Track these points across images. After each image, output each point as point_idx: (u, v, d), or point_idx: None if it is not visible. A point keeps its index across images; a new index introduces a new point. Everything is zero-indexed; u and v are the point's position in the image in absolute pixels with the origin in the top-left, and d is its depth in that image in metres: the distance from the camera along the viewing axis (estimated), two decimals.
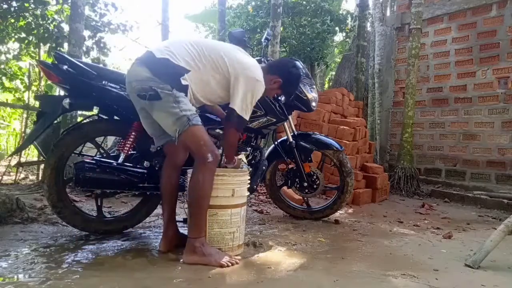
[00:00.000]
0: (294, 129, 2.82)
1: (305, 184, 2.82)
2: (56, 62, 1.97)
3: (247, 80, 1.83)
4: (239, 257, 1.83)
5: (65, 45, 4.68)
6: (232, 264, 1.72)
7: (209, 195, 1.78)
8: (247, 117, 1.88)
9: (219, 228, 1.85)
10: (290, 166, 2.89)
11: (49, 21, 5.08)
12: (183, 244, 1.80)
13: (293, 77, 2.08)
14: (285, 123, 2.71)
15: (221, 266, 1.69)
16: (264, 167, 2.60)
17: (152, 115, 1.80)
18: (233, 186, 1.86)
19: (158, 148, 2.10)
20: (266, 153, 2.79)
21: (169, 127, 1.76)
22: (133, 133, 2.08)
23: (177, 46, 1.82)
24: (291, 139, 2.76)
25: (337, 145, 2.84)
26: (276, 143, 2.84)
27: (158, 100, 1.71)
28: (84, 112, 3.47)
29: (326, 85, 12.27)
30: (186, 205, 3.19)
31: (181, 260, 1.74)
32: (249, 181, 2.41)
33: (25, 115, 5.83)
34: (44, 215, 2.43)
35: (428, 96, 5.87)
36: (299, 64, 2.20)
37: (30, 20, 4.97)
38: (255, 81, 1.85)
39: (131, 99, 1.87)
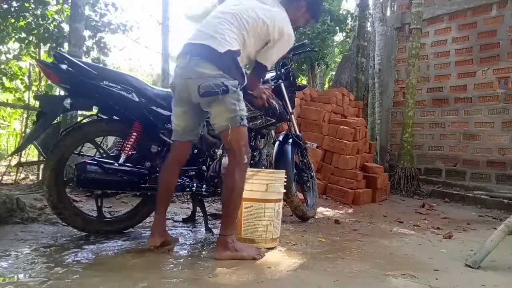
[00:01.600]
0: (296, 128, 2.82)
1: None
2: (56, 61, 1.97)
3: (283, 44, 1.93)
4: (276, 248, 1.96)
5: (65, 45, 4.68)
6: (262, 257, 1.83)
7: (242, 195, 1.87)
8: (269, 67, 2.05)
9: (253, 220, 2.01)
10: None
11: (49, 21, 5.09)
12: (168, 243, 1.89)
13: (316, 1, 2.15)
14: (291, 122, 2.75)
15: (254, 259, 1.80)
16: (264, 167, 2.60)
17: (206, 107, 1.81)
18: (267, 182, 2.01)
19: (159, 148, 2.10)
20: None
21: (220, 121, 1.79)
22: (134, 134, 2.08)
23: (223, 26, 1.81)
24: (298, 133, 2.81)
25: None
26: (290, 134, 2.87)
27: (226, 94, 1.74)
28: (83, 112, 3.47)
29: (326, 85, 12.27)
30: (185, 205, 3.20)
31: (214, 257, 1.77)
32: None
33: (25, 115, 5.84)
34: (44, 215, 2.43)
35: (428, 96, 5.87)
36: None
37: (30, 20, 4.97)
38: (289, 42, 1.96)
39: (180, 94, 1.86)
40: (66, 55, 2.03)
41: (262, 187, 2.01)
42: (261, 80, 2.19)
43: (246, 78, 1.91)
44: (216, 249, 1.80)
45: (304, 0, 2.08)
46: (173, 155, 1.97)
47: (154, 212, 2.39)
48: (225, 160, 2.33)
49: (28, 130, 5.33)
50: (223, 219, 1.85)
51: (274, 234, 2.06)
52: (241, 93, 1.83)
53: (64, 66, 1.93)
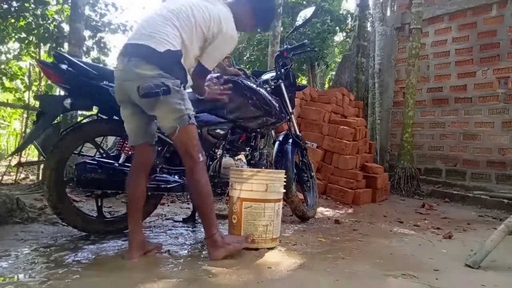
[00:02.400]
0: (296, 128, 2.82)
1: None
2: (56, 61, 1.97)
3: (223, 42, 1.86)
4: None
5: (65, 45, 4.68)
6: (250, 240, 1.92)
7: (210, 192, 1.82)
8: (212, 69, 1.99)
9: (252, 220, 2.01)
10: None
11: (49, 21, 5.09)
12: (149, 251, 1.81)
13: (265, 7, 2.06)
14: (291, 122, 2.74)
15: (246, 242, 1.89)
16: (264, 167, 2.60)
17: (150, 111, 1.74)
18: (266, 182, 2.01)
19: (159, 148, 2.09)
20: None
21: (167, 123, 1.73)
22: None
23: (161, 25, 1.74)
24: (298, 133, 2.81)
25: None
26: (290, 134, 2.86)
27: (168, 95, 1.67)
28: (83, 112, 3.47)
29: (326, 85, 12.27)
30: (185, 205, 3.20)
31: (210, 259, 1.77)
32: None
33: (25, 115, 5.83)
34: (44, 215, 2.43)
35: (428, 96, 5.87)
36: None
37: (30, 20, 4.97)
38: (229, 41, 1.89)
39: (117, 97, 1.80)
40: (66, 55, 2.03)
41: (262, 187, 2.01)
42: (205, 80, 2.06)
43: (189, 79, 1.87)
44: (209, 251, 1.80)
45: (249, 6, 1.99)
46: (136, 161, 1.87)
47: (154, 212, 2.41)
48: (225, 160, 2.33)
49: (28, 130, 5.33)
50: (203, 222, 1.84)
51: (274, 234, 2.06)
52: (185, 92, 1.77)
53: (64, 66, 1.93)
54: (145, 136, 1.84)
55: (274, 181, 2.04)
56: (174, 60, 1.73)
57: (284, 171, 2.18)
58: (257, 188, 2.01)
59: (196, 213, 2.61)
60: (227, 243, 1.81)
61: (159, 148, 2.12)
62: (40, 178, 3.97)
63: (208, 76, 2.19)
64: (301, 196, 3.05)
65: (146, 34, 1.73)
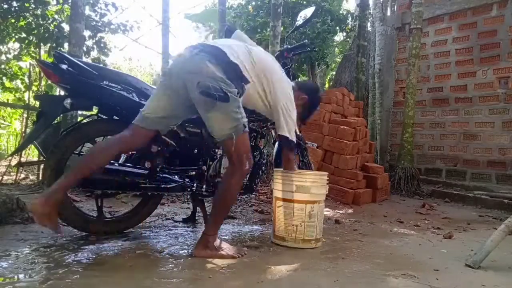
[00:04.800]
0: (296, 128, 2.81)
1: None
2: (56, 61, 1.97)
3: (286, 107, 1.97)
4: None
5: (66, 45, 4.68)
6: (242, 256, 1.83)
7: (235, 199, 1.97)
8: (294, 137, 2.04)
9: (283, 218, 2.10)
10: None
11: (49, 21, 5.09)
12: (54, 220, 1.64)
13: (317, 100, 2.31)
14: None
15: (233, 257, 1.80)
16: (264, 167, 2.60)
17: (203, 112, 1.75)
18: (296, 183, 2.07)
19: (159, 148, 2.09)
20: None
21: (222, 130, 1.76)
22: None
23: (242, 54, 1.86)
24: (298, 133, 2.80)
25: None
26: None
27: (226, 102, 1.70)
28: (84, 112, 3.47)
29: (327, 85, 12.27)
30: (186, 205, 3.20)
31: (193, 254, 1.79)
32: (247, 181, 2.42)
33: (25, 115, 5.84)
34: None
35: (428, 96, 5.87)
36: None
37: (30, 20, 4.98)
38: (292, 106, 2.01)
39: (168, 79, 1.80)
40: (66, 55, 2.02)
41: (292, 187, 2.07)
42: (292, 154, 2.17)
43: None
44: (196, 246, 1.82)
45: (306, 95, 2.20)
46: (127, 137, 1.79)
47: (154, 212, 2.41)
48: (225, 160, 2.33)
49: (28, 130, 5.33)
50: (210, 219, 1.86)
51: (306, 235, 2.08)
52: (240, 100, 1.81)
53: (64, 66, 1.93)
54: (162, 123, 1.83)
55: (304, 182, 2.07)
56: (239, 74, 1.80)
57: (325, 173, 2.24)
58: (288, 188, 2.09)
59: (196, 214, 2.61)
60: (216, 247, 1.81)
61: (159, 148, 2.12)
62: (40, 178, 3.97)
63: None
64: None
65: (226, 45, 1.83)
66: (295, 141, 2.05)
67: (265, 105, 2.00)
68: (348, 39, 11.27)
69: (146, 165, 2.09)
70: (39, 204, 1.60)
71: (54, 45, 4.93)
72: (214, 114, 1.73)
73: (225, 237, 2.24)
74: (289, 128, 1.99)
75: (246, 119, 1.82)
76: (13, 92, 6.20)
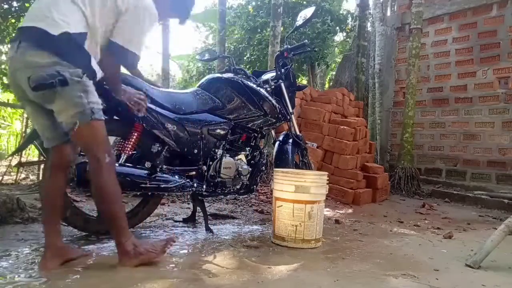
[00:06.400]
0: (296, 128, 2.82)
1: None
2: None
3: (143, 13, 1.63)
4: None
5: None
6: (172, 244, 1.70)
7: (118, 195, 1.62)
8: (140, 53, 1.67)
9: (283, 218, 2.10)
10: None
11: None
12: (72, 259, 1.62)
13: None
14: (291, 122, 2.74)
15: (164, 252, 1.67)
16: (264, 167, 2.60)
17: (48, 105, 1.51)
18: (295, 183, 2.06)
19: (159, 148, 2.09)
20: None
21: (65, 118, 1.50)
22: (134, 134, 2.08)
23: (59, 3, 1.48)
24: (298, 133, 2.80)
25: None
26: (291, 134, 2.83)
27: (66, 86, 1.43)
28: None
29: (327, 85, 12.27)
30: (186, 205, 3.20)
31: (119, 265, 1.60)
32: (248, 181, 2.42)
33: (25, 115, 5.83)
34: None
35: (428, 96, 5.87)
36: None
37: None
38: (147, 15, 1.64)
39: (13, 91, 1.59)
40: None
41: (291, 187, 2.06)
42: (119, 68, 1.73)
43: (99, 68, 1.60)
44: (119, 260, 1.60)
45: None
46: (53, 162, 1.67)
47: (154, 212, 2.41)
48: (225, 160, 2.33)
49: (28, 130, 5.33)
50: (110, 229, 1.64)
51: (306, 235, 2.08)
52: (89, 83, 1.52)
53: None
54: (58, 136, 1.61)
55: (303, 182, 2.06)
56: (74, 44, 1.48)
57: (325, 173, 2.22)
58: (287, 188, 2.08)
59: (196, 214, 2.62)
60: (140, 252, 1.61)
61: (159, 148, 2.12)
62: (41, 178, 3.97)
63: (209, 76, 2.17)
64: None
65: (40, 15, 1.47)
66: (138, 57, 1.68)
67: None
68: (348, 39, 11.27)
69: (146, 165, 2.10)
70: (51, 263, 1.55)
71: None
72: (56, 103, 1.48)
73: (225, 237, 2.24)
74: (131, 40, 1.63)
75: (99, 106, 1.55)
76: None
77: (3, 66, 4.63)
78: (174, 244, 1.74)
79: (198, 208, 2.55)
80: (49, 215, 1.65)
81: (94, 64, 1.57)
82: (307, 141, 3.00)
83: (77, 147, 1.71)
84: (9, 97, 6.96)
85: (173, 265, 1.69)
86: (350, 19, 8.76)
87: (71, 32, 1.46)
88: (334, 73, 11.65)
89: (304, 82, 9.75)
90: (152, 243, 1.71)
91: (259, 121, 2.48)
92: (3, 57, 5.28)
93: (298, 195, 2.06)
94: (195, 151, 2.23)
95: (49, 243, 1.59)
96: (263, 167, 2.60)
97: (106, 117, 2.11)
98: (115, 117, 2.15)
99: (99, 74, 1.60)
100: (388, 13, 7.05)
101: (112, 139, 3.47)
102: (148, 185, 2.10)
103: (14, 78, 1.52)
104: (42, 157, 3.67)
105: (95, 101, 1.54)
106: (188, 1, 1.99)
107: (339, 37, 11.71)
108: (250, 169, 2.48)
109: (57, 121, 1.54)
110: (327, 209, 3.55)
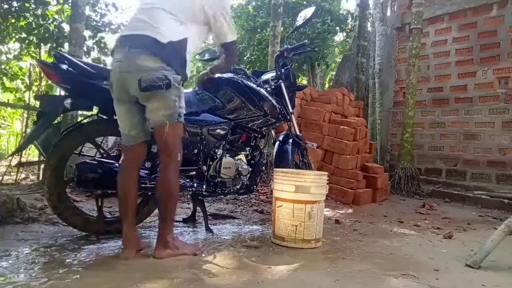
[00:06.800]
0: (296, 128, 2.82)
1: None
2: (56, 61, 1.97)
3: (224, 9, 1.85)
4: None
5: (66, 45, 4.68)
6: (201, 253, 1.86)
7: (177, 192, 1.83)
8: (235, 35, 1.95)
9: (283, 218, 2.10)
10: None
11: (49, 21, 5.08)
12: (142, 249, 1.83)
13: None
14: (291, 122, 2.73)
15: (195, 254, 1.82)
16: (264, 167, 2.60)
17: (144, 101, 1.72)
18: (295, 183, 2.05)
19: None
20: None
21: (157, 116, 1.72)
22: None
23: (163, 14, 1.70)
24: (298, 133, 2.79)
25: None
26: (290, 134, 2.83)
27: (169, 88, 1.67)
28: (84, 112, 3.47)
29: (327, 85, 12.27)
30: (186, 205, 3.20)
31: (154, 256, 1.75)
32: (248, 181, 2.41)
33: (25, 115, 5.83)
34: (44, 215, 2.43)
35: (428, 96, 5.87)
36: None
37: (30, 20, 4.97)
38: (227, 3, 1.88)
39: (115, 92, 1.75)
40: (67, 55, 2.03)
41: (291, 187, 2.06)
42: (234, 53, 2.03)
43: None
44: (156, 248, 1.77)
45: None
46: (128, 160, 1.84)
47: (154, 212, 2.41)
48: (225, 160, 2.33)
49: (28, 130, 5.33)
50: (161, 219, 1.81)
51: (306, 235, 2.08)
52: (182, 90, 1.77)
53: (64, 66, 1.93)
54: (142, 135, 1.82)
55: (303, 182, 2.06)
56: (176, 52, 1.70)
57: (325, 173, 2.22)
58: (287, 188, 2.08)
59: (196, 213, 2.62)
60: (176, 246, 1.79)
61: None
62: (41, 178, 3.97)
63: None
64: None
65: (146, 24, 1.68)
66: (235, 40, 1.96)
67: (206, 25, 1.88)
68: (348, 39, 11.27)
69: (146, 165, 2.10)
70: (128, 253, 1.73)
71: (54, 45, 4.92)
72: (153, 101, 1.70)
73: (225, 237, 2.24)
74: (232, 31, 1.92)
75: (184, 110, 1.79)
76: (14, 92, 6.20)
77: (3, 66, 4.63)
78: (199, 254, 1.85)
79: (198, 208, 2.55)
80: (128, 212, 1.81)
81: (188, 70, 1.79)
82: (307, 141, 3.00)
83: (146, 148, 1.89)
84: (9, 97, 6.96)
85: (173, 265, 1.69)
86: (350, 19, 8.76)
87: (174, 41, 1.68)
88: (334, 73, 11.65)
89: (304, 82, 9.75)
90: (186, 243, 1.92)
91: (259, 121, 2.48)
92: (3, 57, 5.27)
93: (298, 195, 2.06)
94: (195, 151, 2.23)
95: (130, 237, 1.77)
96: (263, 167, 2.60)
97: (106, 117, 2.14)
98: (115, 117, 2.15)
99: (187, 81, 1.84)
100: (388, 13, 7.05)
101: (112, 139, 3.49)
102: (148, 185, 2.10)
103: (120, 79, 1.69)
104: (42, 157, 3.67)
105: (183, 106, 1.78)
106: None
107: (339, 37, 11.72)
108: (250, 169, 2.48)
109: (145, 122, 1.79)
110: (327, 209, 3.55)
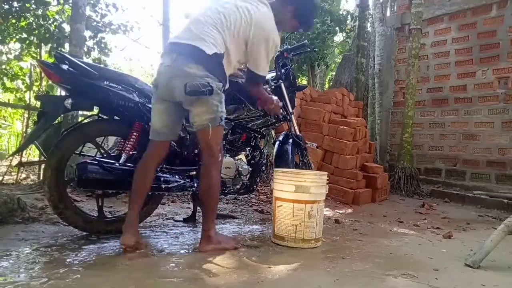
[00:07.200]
0: (296, 128, 2.82)
1: None
2: (56, 62, 1.97)
3: (266, 42, 1.91)
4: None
5: (66, 45, 4.69)
6: (240, 247, 1.99)
7: (218, 191, 1.96)
8: (267, 73, 2.06)
9: (283, 218, 2.11)
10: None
11: (50, 22, 5.09)
12: (139, 245, 1.85)
13: (307, 7, 2.11)
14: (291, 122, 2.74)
15: (236, 248, 1.95)
16: (264, 167, 2.60)
17: (188, 106, 1.84)
18: (295, 183, 2.07)
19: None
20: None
21: (200, 120, 1.84)
22: (134, 133, 2.09)
23: (209, 27, 1.83)
24: (298, 133, 2.79)
25: None
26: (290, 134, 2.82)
27: (211, 95, 1.78)
28: (84, 112, 3.47)
29: (326, 85, 12.27)
30: (186, 205, 3.21)
31: (199, 250, 1.89)
32: (248, 181, 2.42)
33: (26, 115, 5.84)
34: (45, 215, 2.43)
35: (428, 96, 5.87)
36: None
37: (31, 21, 4.98)
38: (271, 43, 1.93)
39: (159, 92, 1.86)
40: (67, 55, 2.03)
41: (291, 187, 2.07)
42: (259, 86, 2.11)
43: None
44: (200, 243, 1.92)
45: (291, 6, 2.04)
46: (151, 154, 1.96)
47: (154, 211, 2.41)
48: (225, 160, 2.34)
49: (29, 130, 5.33)
50: (204, 216, 1.96)
51: (305, 235, 2.08)
52: (223, 95, 1.88)
53: (65, 66, 1.94)
54: (170, 134, 1.96)
55: (303, 182, 2.07)
56: (219, 62, 1.84)
57: (325, 173, 2.22)
58: (287, 188, 2.09)
59: (197, 213, 2.62)
60: (218, 241, 1.93)
61: None
62: (41, 178, 3.98)
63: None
64: None
65: (195, 35, 1.82)
66: (265, 76, 2.04)
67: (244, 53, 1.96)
68: (348, 40, 11.27)
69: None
70: (127, 239, 1.81)
71: (54, 45, 4.93)
72: (197, 106, 1.83)
73: None
74: (265, 66, 1.99)
75: (225, 115, 1.91)
76: (14, 92, 6.20)
77: (3, 67, 4.64)
78: (239, 247, 1.99)
79: (198, 208, 2.55)
80: (137, 201, 1.91)
81: (227, 79, 1.94)
82: (307, 141, 3.00)
83: (168, 148, 2.00)
84: (10, 97, 6.96)
85: (173, 264, 1.69)
86: (350, 19, 8.75)
87: (218, 53, 1.82)
88: (334, 73, 11.65)
89: (304, 82, 9.75)
90: (227, 237, 2.09)
91: (259, 121, 2.48)
92: (4, 57, 5.27)
93: (298, 195, 2.07)
94: (195, 151, 2.23)
95: (130, 225, 1.84)
96: (263, 167, 2.60)
97: (106, 117, 2.15)
98: (116, 117, 2.16)
99: (227, 86, 1.96)
100: (388, 14, 7.05)
101: (112, 139, 3.49)
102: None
103: (168, 82, 1.82)
104: (42, 157, 3.67)
105: (224, 111, 1.90)
106: (308, 12, 2.15)
107: (339, 37, 11.72)
108: (250, 169, 2.48)
109: (177, 124, 1.95)
110: (327, 209, 3.55)
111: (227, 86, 1.94)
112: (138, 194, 1.92)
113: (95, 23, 5.31)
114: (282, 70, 2.70)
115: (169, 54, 1.84)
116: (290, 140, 2.77)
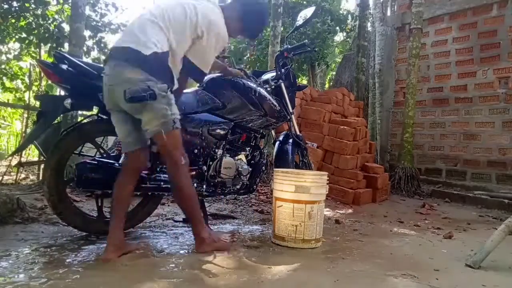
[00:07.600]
0: (296, 128, 2.82)
1: None
2: (56, 61, 1.97)
3: (213, 41, 1.85)
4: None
5: (66, 45, 4.68)
6: (236, 236, 2.06)
7: (194, 193, 1.91)
8: (208, 71, 1.96)
9: (283, 218, 2.10)
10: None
11: (49, 21, 5.09)
12: (129, 251, 1.79)
13: (254, 12, 2.05)
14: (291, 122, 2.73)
15: (231, 242, 2.00)
16: (264, 167, 2.60)
17: (137, 115, 1.75)
18: (295, 183, 2.06)
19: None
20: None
21: (152, 127, 1.74)
22: None
23: (148, 27, 1.74)
24: (298, 133, 2.78)
25: None
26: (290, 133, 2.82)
27: (154, 100, 1.68)
28: (84, 112, 3.47)
29: (327, 85, 12.27)
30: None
31: (196, 251, 1.88)
32: (248, 181, 2.41)
33: (25, 115, 5.83)
34: (44, 215, 2.43)
35: (428, 96, 5.87)
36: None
37: (30, 20, 4.98)
38: (219, 39, 1.87)
39: (106, 103, 1.81)
40: (67, 55, 2.03)
41: (291, 187, 2.07)
42: (196, 81, 2.05)
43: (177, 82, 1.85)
44: (195, 246, 1.91)
45: (239, 11, 1.98)
46: (128, 166, 1.88)
47: (154, 212, 2.41)
48: (225, 160, 2.33)
49: (28, 130, 5.33)
50: (189, 221, 1.95)
51: (305, 235, 2.08)
52: (172, 96, 1.78)
53: (64, 66, 1.93)
54: (138, 142, 1.85)
55: (303, 182, 2.06)
56: (161, 63, 1.73)
57: (325, 173, 2.22)
58: (287, 188, 2.09)
59: None
60: (213, 240, 1.91)
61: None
62: (41, 178, 3.97)
63: (210, 76, 2.21)
64: None
65: (134, 36, 1.73)
66: (201, 70, 1.92)
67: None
68: (348, 39, 11.27)
69: (146, 165, 2.09)
70: (112, 255, 1.71)
71: (54, 45, 4.93)
72: (145, 113, 1.73)
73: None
74: (202, 60, 1.90)
75: (178, 116, 1.79)
76: (14, 92, 6.21)
77: (3, 66, 4.64)
78: (235, 240, 2.03)
79: None
80: (118, 213, 1.83)
81: (175, 79, 1.83)
82: (307, 141, 3.00)
83: (146, 154, 1.92)
84: (9, 97, 6.96)
85: (173, 265, 1.69)
86: (350, 19, 8.75)
87: (158, 52, 1.70)
88: (334, 73, 11.65)
89: (304, 82, 9.75)
90: (220, 234, 2.08)
91: (259, 121, 2.48)
92: (3, 57, 5.27)
93: (298, 195, 2.06)
94: (195, 151, 2.23)
95: (112, 238, 1.75)
96: (263, 167, 2.60)
97: (106, 117, 2.14)
98: None
99: (176, 87, 1.85)
100: (388, 13, 7.04)
101: (112, 139, 3.48)
102: (148, 185, 2.10)
103: (109, 91, 1.75)
104: (42, 157, 3.67)
105: (176, 112, 1.79)
106: (259, 24, 2.15)
107: (339, 37, 11.71)
108: (250, 169, 2.48)
109: (142, 128, 1.78)
110: (327, 209, 3.55)
111: (175, 86, 1.83)
112: (118, 205, 1.84)
113: (94, 22, 5.31)
114: (282, 70, 2.69)
115: (109, 61, 1.76)
116: (290, 140, 2.76)
